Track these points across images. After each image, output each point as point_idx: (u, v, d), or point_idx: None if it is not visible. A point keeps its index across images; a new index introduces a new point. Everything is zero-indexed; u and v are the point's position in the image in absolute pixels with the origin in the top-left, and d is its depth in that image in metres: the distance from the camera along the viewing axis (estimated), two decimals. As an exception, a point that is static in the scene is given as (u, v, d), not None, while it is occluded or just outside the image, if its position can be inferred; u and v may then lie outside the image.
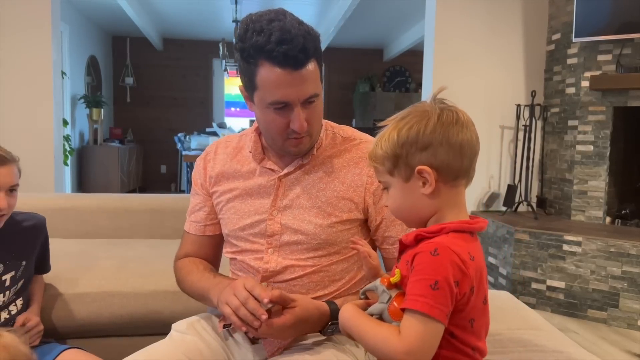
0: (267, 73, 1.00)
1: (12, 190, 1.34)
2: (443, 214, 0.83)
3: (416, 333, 0.74)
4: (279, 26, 0.98)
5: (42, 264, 1.53)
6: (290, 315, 0.99)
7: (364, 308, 0.86)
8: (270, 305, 0.97)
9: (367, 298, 0.88)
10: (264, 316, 0.95)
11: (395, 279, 0.81)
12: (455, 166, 0.81)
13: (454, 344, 0.80)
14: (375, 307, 0.83)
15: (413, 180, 0.82)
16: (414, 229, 0.85)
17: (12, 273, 1.37)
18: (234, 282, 1.05)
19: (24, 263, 1.40)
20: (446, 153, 0.80)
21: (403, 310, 0.77)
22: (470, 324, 0.80)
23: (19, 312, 1.39)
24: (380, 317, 0.82)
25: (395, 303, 0.80)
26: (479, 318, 0.82)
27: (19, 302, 1.40)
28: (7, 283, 1.36)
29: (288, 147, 1.10)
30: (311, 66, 1.01)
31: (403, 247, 0.87)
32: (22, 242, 1.42)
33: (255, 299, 0.97)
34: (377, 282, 0.84)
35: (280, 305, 0.99)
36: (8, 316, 1.36)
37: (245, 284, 1.00)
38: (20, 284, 1.40)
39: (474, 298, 0.79)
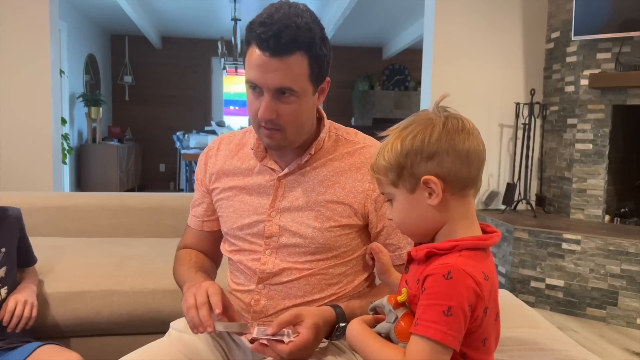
0: (250, 52, 1.02)
1: None
2: (453, 227, 0.80)
3: (422, 358, 0.72)
4: (270, 12, 0.99)
5: (26, 256, 1.54)
6: (307, 329, 0.95)
7: (372, 324, 0.83)
8: (287, 339, 0.93)
9: (376, 313, 0.86)
10: (209, 329, 0.95)
11: (402, 298, 0.79)
12: (463, 175, 0.78)
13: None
14: (382, 326, 0.81)
15: (418, 191, 0.79)
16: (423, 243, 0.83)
17: None
18: (201, 283, 1.04)
19: (3, 250, 1.41)
20: (452, 162, 0.77)
21: (410, 332, 0.75)
22: (482, 344, 0.79)
23: (3, 301, 1.39)
24: (387, 337, 0.80)
25: (402, 323, 0.78)
26: (491, 336, 0.80)
27: (4, 290, 1.41)
28: None
29: (261, 136, 1.09)
30: (294, 59, 0.99)
31: (411, 259, 0.84)
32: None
33: (230, 318, 0.98)
34: (385, 300, 0.82)
35: (290, 325, 0.96)
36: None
37: (209, 288, 1.00)
38: (2, 271, 1.40)
39: (487, 318, 0.77)
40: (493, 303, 0.78)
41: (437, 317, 0.72)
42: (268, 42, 0.97)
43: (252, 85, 1.03)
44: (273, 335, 0.93)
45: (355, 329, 0.83)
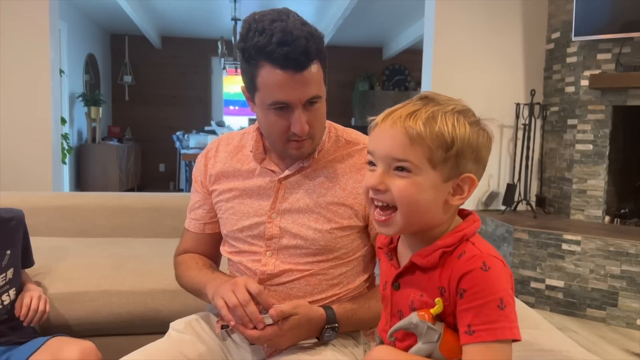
0: (268, 74, 0.99)
1: None
2: (444, 228, 0.75)
3: None
4: (281, 27, 0.96)
5: (25, 258, 1.54)
6: (284, 321, 0.99)
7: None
8: (271, 322, 0.97)
9: (395, 340, 0.77)
10: (261, 325, 0.96)
11: (437, 309, 0.71)
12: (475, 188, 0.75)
13: None
14: (419, 349, 0.72)
15: (449, 183, 0.72)
16: (423, 248, 0.75)
17: None
18: (234, 279, 1.05)
19: (8, 252, 1.41)
20: (480, 175, 0.75)
21: (464, 344, 0.67)
22: None
23: (11, 303, 1.40)
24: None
25: (448, 338, 0.70)
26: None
27: (12, 292, 1.41)
28: None
29: (289, 150, 1.08)
30: (314, 68, 1.00)
31: (413, 267, 0.76)
32: (3, 232, 1.43)
33: (259, 304, 0.97)
34: (414, 318, 0.72)
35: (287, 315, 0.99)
36: (1, 306, 1.37)
37: (248, 285, 0.99)
38: (10, 272, 1.41)
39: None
40: None
41: (495, 315, 0.66)
42: (297, 60, 0.96)
43: (281, 106, 1.02)
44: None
45: (387, 353, 0.74)
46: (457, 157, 0.71)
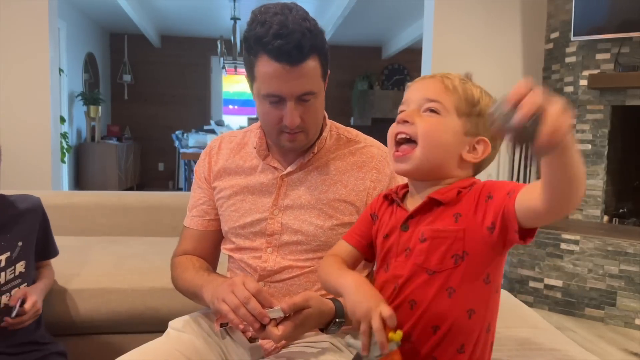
0: (263, 65, 1.01)
1: None
2: (454, 180, 0.86)
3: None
4: (279, 20, 0.98)
5: (46, 248, 1.48)
6: (298, 314, 0.95)
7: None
8: (281, 314, 0.93)
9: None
10: (267, 318, 0.92)
11: (397, 337, 0.74)
12: (488, 164, 0.88)
13: (491, 291, 0.82)
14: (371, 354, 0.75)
15: (468, 138, 0.83)
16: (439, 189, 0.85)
17: (8, 254, 1.32)
18: (231, 279, 1.04)
19: (20, 244, 1.36)
20: (494, 153, 0.87)
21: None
22: (500, 272, 0.84)
23: (23, 301, 1.30)
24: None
25: None
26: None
27: (24, 287, 1.35)
28: (2, 264, 1.31)
29: (282, 142, 1.10)
30: (310, 64, 1.01)
31: (433, 204, 0.84)
32: (16, 222, 1.37)
33: (261, 303, 0.94)
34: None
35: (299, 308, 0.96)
36: (9, 302, 1.30)
37: (246, 283, 0.97)
38: (20, 266, 1.35)
39: None
40: None
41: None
42: (290, 54, 0.98)
43: (275, 99, 1.03)
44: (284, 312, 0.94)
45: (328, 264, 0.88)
46: (478, 117, 0.82)
